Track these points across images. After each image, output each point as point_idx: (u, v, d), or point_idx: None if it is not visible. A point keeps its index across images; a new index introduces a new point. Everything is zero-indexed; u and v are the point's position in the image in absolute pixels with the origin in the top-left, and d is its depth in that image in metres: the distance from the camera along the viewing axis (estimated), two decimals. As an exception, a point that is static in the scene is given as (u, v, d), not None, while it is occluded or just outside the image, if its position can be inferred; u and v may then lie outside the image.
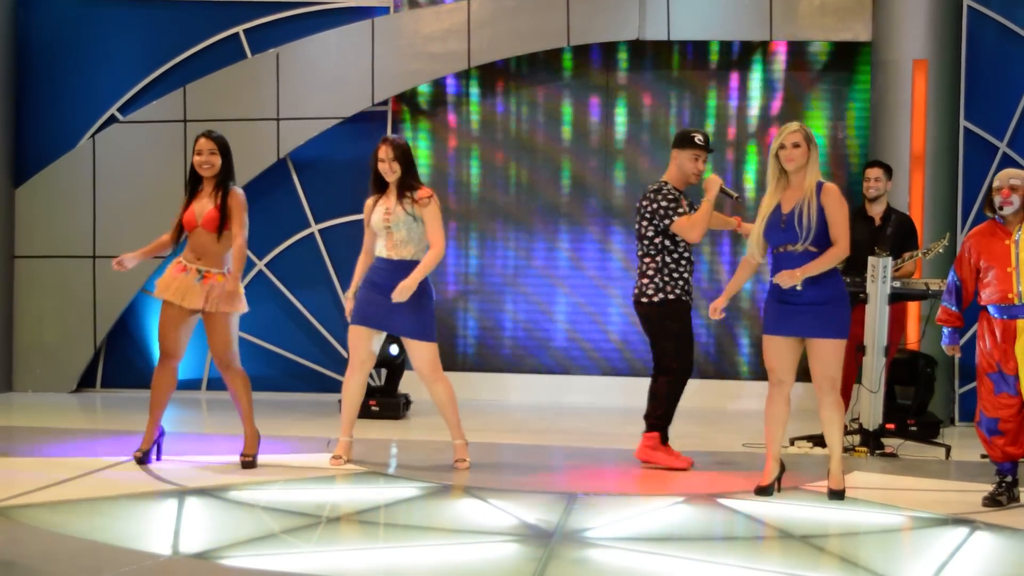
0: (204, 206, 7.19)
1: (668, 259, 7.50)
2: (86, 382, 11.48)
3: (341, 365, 11.13)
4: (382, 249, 7.38)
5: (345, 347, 10.95)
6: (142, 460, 7.19)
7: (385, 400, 9.91)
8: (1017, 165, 10.21)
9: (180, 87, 11.20)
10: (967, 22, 10.40)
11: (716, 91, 11.29)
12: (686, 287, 7.54)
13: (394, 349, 10.16)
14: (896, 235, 8.70)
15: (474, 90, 11.53)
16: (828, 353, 6.48)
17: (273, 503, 6.30)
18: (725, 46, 11.22)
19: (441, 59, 11.05)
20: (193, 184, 7.33)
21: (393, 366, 10.22)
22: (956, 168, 10.32)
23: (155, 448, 7.29)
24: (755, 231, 6.62)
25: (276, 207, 11.32)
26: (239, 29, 11.40)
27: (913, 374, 9.23)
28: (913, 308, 9.73)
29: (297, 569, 4.96)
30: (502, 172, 11.48)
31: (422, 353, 7.32)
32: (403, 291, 7.13)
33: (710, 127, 11.22)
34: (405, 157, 7.39)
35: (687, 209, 7.52)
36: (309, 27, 11.30)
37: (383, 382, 10.33)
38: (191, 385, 11.28)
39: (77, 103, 11.42)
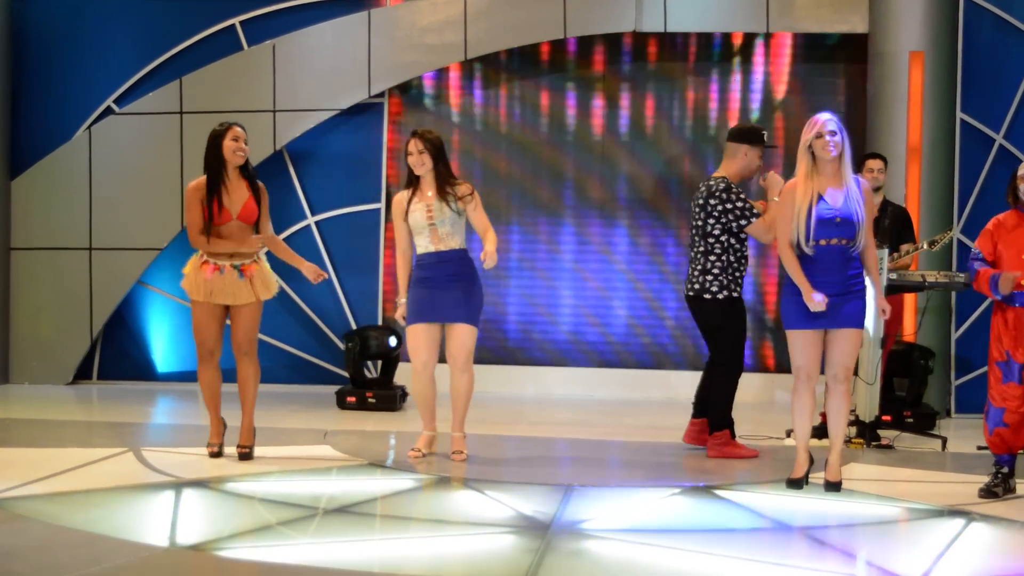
0: (235, 198, 7.14)
1: (733, 258, 7.60)
2: (82, 374, 11.47)
3: (337, 357, 11.14)
4: (427, 245, 7.35)
5: (341, 338, 11.00)
6: (216, 454, 7.22)
7: (382, 392, 9.91)
8: (1013, 157, 10.21)
9: (176, 79, 11.19)
10: (963, 14, 10.39)
11: (713, 83, 11.28)
12: (740, 285, 7.70)
13: (392, 341, 10.17)
14: (893, 227, 8.70)
15: (470, 82, 11.51)
16: (850, 343, 6.53)
17: (270, 495, 6.30)
18: (723, 38, 11.21)
19: (437, 51, 11.04)
20: (216, 175, 7.14)
21: (389, 358, 10.22)
22: (952, 160, 10.32)
23: (222, 443, 7.32)
24: (800, 221, 6.45)
25: (272, 199, 11.12)
26: (235, 21, 11.39)
27: (907, 366, 9.25)
28: (909, 300, 9.74)
29: (294, 561, 4.96)
30: (500, 165, 11.46)
31: (465, 337, 7.32)
32: (493, 255, 7.19)
33: (708, 118, 11.22)
34: (436, 149, 7.34)
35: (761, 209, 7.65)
36: (305, 19, 11.28)
37: (379, 374, 10.35)
38: (190, 377, 11.26)
39: (73, 95, 11.40)
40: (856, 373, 8.47)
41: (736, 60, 11.24)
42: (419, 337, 7.35)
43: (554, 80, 11.41)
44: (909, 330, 9.71)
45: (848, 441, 8.23)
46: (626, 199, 11.35)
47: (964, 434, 8.91)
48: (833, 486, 6.57)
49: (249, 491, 6.36)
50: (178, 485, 6.43)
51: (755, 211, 7.52)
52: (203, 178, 7.16)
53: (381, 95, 11.27)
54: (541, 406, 10.41)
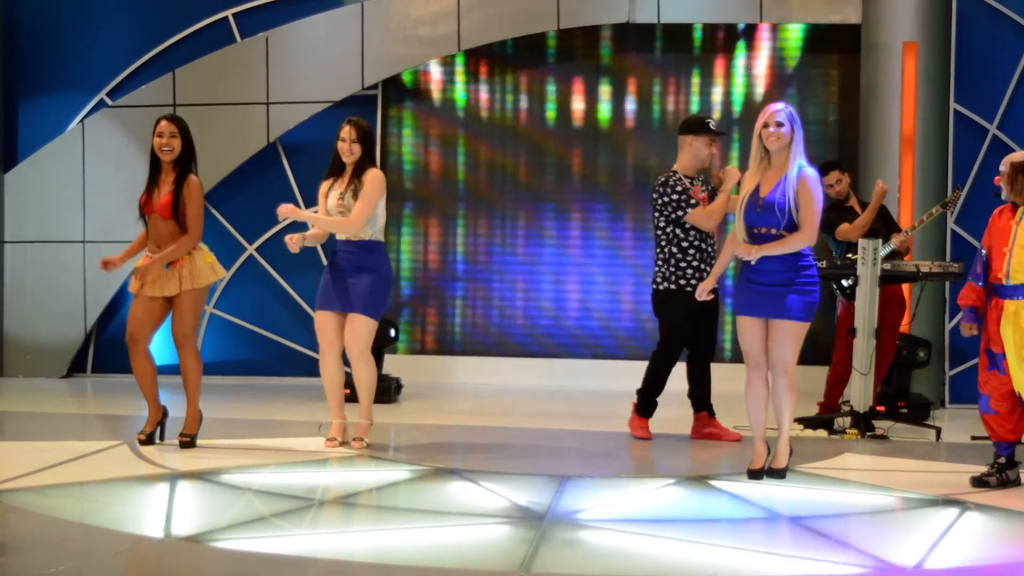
0: (160, 192, 7.16)
1: (675, 249, 7.71)
2: (77, 367, 11.47)
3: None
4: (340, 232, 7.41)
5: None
6: (146, 442, 7.22)
7: (377, 384, 9.86)
8: (1007, 147, 10.21)
9: (169, 71, 11.18)
10: (957, 4, 10.40)
11: (705, 74, 11.29)
12: (695, 275, 7.71)
13: (389, 332, 10.16)
14: (879, 219, 8.72)
15: (463, 74, 11.50)
16: (784, 335, 6.46)
17: (265, 486, 6.29)
18: (714, 29, 11.21)
19: (430, 43, 11.04)
20: (152, 169, 7.24)
21: (380, 352, 10.20)
22: (946, 150, 10.33)
23: (158, 429, 7.30)
24: (738, 211, 6.57)
25: (266, 191, 11.30)
26: (228, 13, 11.38)
27: (900, 356, 9.23)
28: (903, 290, 9.73)
29: (289, 551, 4.95)
30: (489, 156, 11.47)
31: (359, 328, 7.35)
32: (288, 210, 7.29)
33: (700, 109, 11.22)
34: (366, 140, 7.39)
35: (703, 197, 7.75)
36: (298, 11, 11.27)
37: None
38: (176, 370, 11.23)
39: (66, 88, 11.39)
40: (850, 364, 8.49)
41: (730, 51, 11.24)
42: (324, 321, 7.46)
43: (549, 71, 11.41)
44: (903, 321, 9.70)
45: (843, 431, 8.25)
46: (612, 190, 11.35)
47: (958, 424, 8.92)
48: (776, 472, 6.58)
49: (244, 483, 6.35)
50: (172, 477, 6.43)
51: (692, 201, 7.66)
52: None
53: (374, 87, 11.26)
54: (535, 398, 10.40)
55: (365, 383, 7.47)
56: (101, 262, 7.28)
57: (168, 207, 7.09)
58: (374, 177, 7.34)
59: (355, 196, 7.29)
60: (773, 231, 6.43)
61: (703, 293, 6.88)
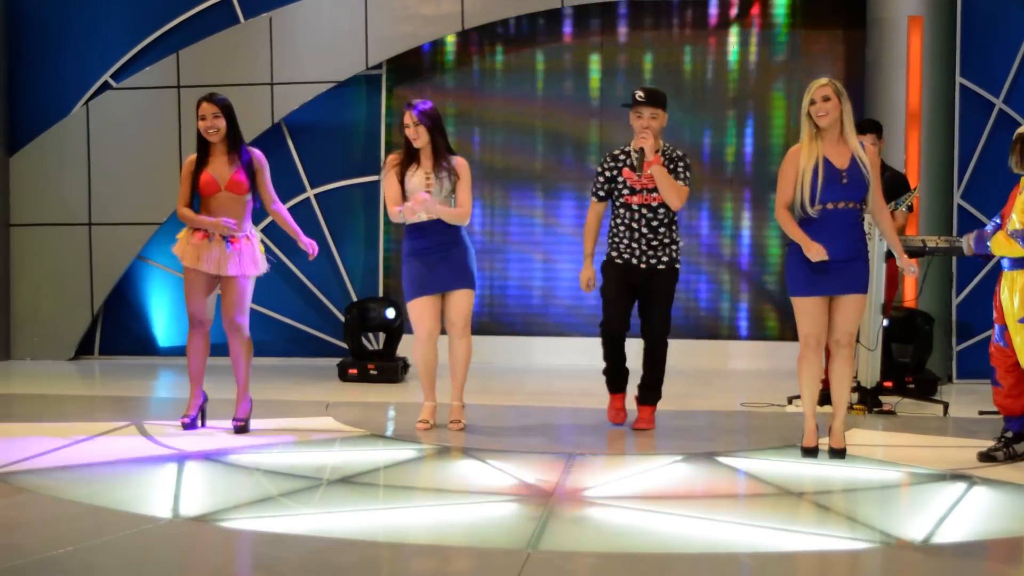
0: (222, 171, 7.15)
1: (615, 222, 7.40)
2: (84, 349, 11.47)
3: (337, 329, 11.13)
4: (422, 216, 7.32)
5: (341, 310, 10.99)
6: (189, 426, 7.22)
7: (383, 364, 9.90)
8: (1014, 121, 10.17)
9: (173, 53, 11.14)
10: (962, -22, 10.35)
11: (710, 49, 11.25)
12: (626, 249, 7.30)
13: (391, 313, 10.16)
14: (888, 192, 8.66)
15: (468, 52, 11.47)
16: (855, 308, 6.49)
17: (273, 466, 6.30)
18: (720, 3, 11.17)
19: (435, 21, 10.99)
20: (201, 150, 7.22)
21: (391, 330, 10.22)
22: (952, 125, 10.28)
23: (199, 414, 7.31)
24: (805, 183, 6.40)
25: (271, 172, 11.24)
26: (232, -7, 11.34)
27: (911, 332, 9.23)
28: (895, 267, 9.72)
29: (298, 531, 4.96)
30: (495, 134, 11.44)
31: (463, 302, 7.35)
32: (421, 202, 7.12)
33: (704, 85, 11.20)
34: (432, 122, 7.34)
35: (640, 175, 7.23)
36: (302, -10, 11.23)
37: (382, 346, 10.35)
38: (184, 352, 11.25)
39: (70, 70, 11.35)
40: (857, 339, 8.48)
41: (734, 26, 11.20)
42: (422, 309, 7.36)
43: (555, 48, 11.37)
44: (909, 296, 9.69)
45: (850, 408, 8.24)
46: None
47: (965, 399, 8.91)
48: (837, 452, 6.56)
49: (252, 463, 6.36)
50: (180, 458, 6.43)
51: (600, 179, 7.39)
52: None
53: (379, 67, 11.22)
54: (542, 376, 10.40)
55: (466, 361, 7.46)
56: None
57: (243, 184, 7.15)
58: (466, 166, 7.42)
59: (450, 179, 7.31)
60: (852, 204, 6.42)
61: (823, 252, 6.41)
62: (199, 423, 7.30)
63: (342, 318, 10.86)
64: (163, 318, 11.45)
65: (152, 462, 6.33)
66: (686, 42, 11.27)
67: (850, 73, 10.94)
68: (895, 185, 8.75)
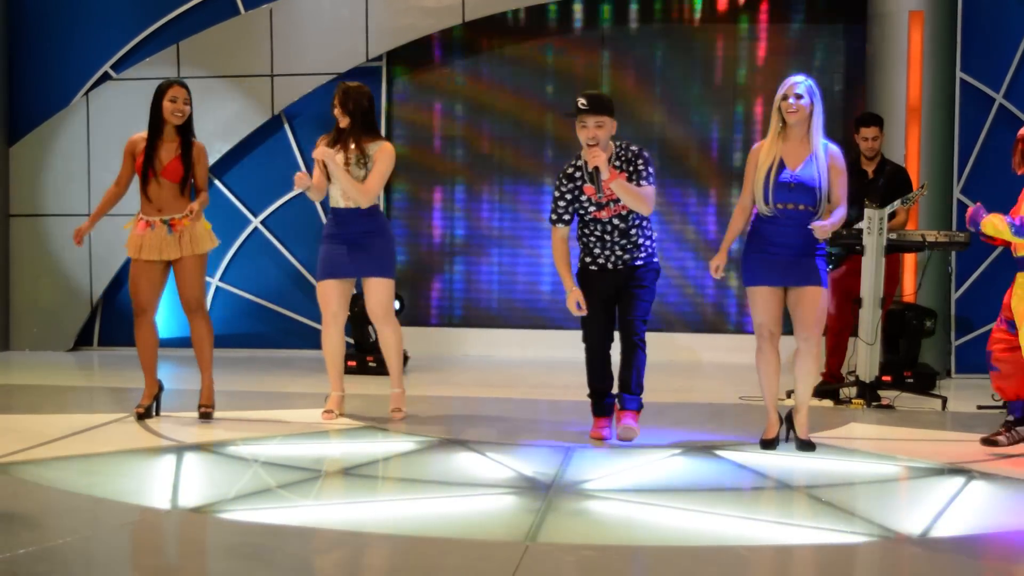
0: (164, 156, 7.17)
1: (580, 235, 6.86)
2: (83, 340, 11.47)
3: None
4: (338, 198, 7.40)
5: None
6: (143, 415, 7.20)
7: (382, 356, 9.87)
8: (1014, 117, 10.17)
9: (173, 44, 11.14)
10: (963, -27, 10.33)
11: (708, 44, 11.24)
12: (600, 256, 6.77)
13: (395, 304, 10.15)
14: (887, 187, 8.65)
15: (468, 45, 11.46)
16: (811, 301, 6.43)
17: (271, 458, 6.30)
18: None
19: (435, 13, 10.98)
20: (154, 132, 7.23)
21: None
22: (952, 120, 10.28)
23: (154, 404, 7.31)
24: (758, 182, 6.46)
25: (271, 164, 11.28)
26: (232, -16, 11.33)
27: (901, 327, 9.22)
28: (909, 260, 9.72)
29: (296, 522, 4.96)
30: (495, 127, 11.43)
31: (380, 291, 7.36)
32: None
33: (704, 80, 11.19)
34: (354, 104, 7.32)
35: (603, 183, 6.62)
36: (302, -18, 11.22)
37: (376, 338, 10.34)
38: (187, 343, 11.24)
39: (70, 61, 11.35)
40: (855, 334, 8.47)
41: (734, 21, 11.18)
42: (329, 291, 7.43)
43: (554, 43, 11.35)
44: (909, 291, 9.69)
45: (848, 401, 8.24)
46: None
47: (964, 394, 8.91)
48: (804, 444, 6.55)
49: (250, 454, 6.36)
50: (179, 449, 6.43)
51: (562, 187, 6.80)
52: (142, 133, 7.27)
53: (379, 59, 11.21)
54: (540, 369, 10.40)
55: (394, 348, 7.48)
56: (76, 235, 7.29)
57: (178, 171, 7.14)
58: (387, 152, 7.34)
59: (359, 163, 7.26)
60: (801, 207, 6.38)
61: (719, 271, 6.69)
62: (154, 412, 7.31)
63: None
64: (162, 309, 11.40)
65: (150, 453, 6.33)
66: (683, 36, 11.25)
67: (851, 68, 10.94)
68: (896, 180, 8.73)
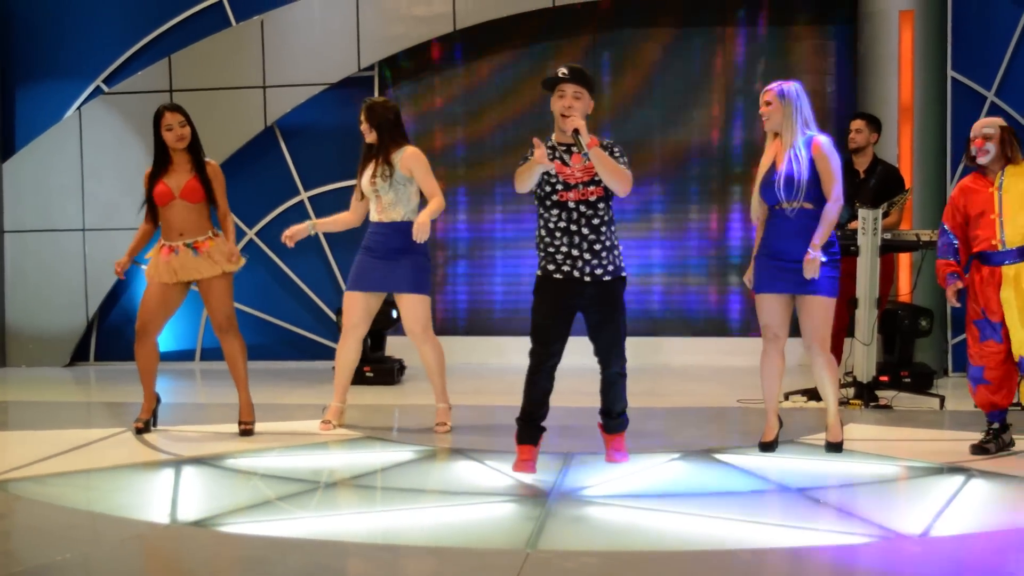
0: (179, 179, 7.13)
1: (543, 231, 6.16)
2: (79, 356, 11.46)
3: (333, 332, 11.12)
4: (374, 213, 7.38)
5: (336, 313, 10.97)
6: (142, 430, 7.19)
7: (379, 366, 9.89)
8: (1005, 114, 10.18)
9: (165, 57, 11.15)
10: (952, -28, 10.36)
11: (701, 46, 11.25)
12: (564, 260, 6.05)
13: (394, 314, 10.15)
14: (879, 186, 8.66)
15: (459, 53, 11.47)
16: (818, 311, 6.44)
17: (270, 470, 6.29)
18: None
19: (426, 22, 11.00)
20: (161, 159, 7.19)
21: (380, 333, 10.19)
22: (944, 119, 10.30)
23: (153, 417, 7.30)
24: (754, 191, 6.58)
25: (265, 175, 11.29)
26: (223, -3, 11.35)
27: (894, 327, 9.21)
28: (904, 259, 9.73)
29: (296, 534, 4.95)
30: (489, 134, 11.43)
31: (415, 308, 7.29)
32: (423, 225, 6.99)
33: (693, 83, 11.19)
34: (376, 118, 7.36)
35: (579, 166, 6.09)
36: (293, -7, 11.23)
37: (370, 348, 10.34)
38: (185, 356, 11.26)
39: (62, 75, 11.37)
40: (851, 335, 8.48)
41: (725, 23, 11.20)
42: (353, 302, 7.37)
43: (545, 49, 11.36)
44: (904, 290, 9.69)
45: (846, 402, 8.24)
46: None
47: (962, 392, 8.89)
48: (834, 446, 6.57)
49: (249, 467, 6.35)
50: (177, 463, 6.42)
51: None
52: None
53: (371, 68, 11.22)
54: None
55: (436, 365, 7.40)
56: (117, 269, 7.23)
57: (197, 191, 7.10)
58: (414, 157, 7.32)
59: (384, 177, 7.24)
60: (785, 205, 6.40)
61: (752, 280, 6.63)
62: (152, 426, 7.32)
63: (336, 319, 10.84)
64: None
65: (149, 468, 6.32)
66: (675, 38, 11.27)
67: (841, 68, 10.95)
68: (888, 180, 8.73)
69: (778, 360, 6.60)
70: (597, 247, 6.05)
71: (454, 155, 11.52)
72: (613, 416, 6.36)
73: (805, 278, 6.35)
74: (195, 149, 7.19)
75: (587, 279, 6.03)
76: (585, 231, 6.04)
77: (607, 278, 6.06)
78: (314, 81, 11.05)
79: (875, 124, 8.83)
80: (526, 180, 6.04)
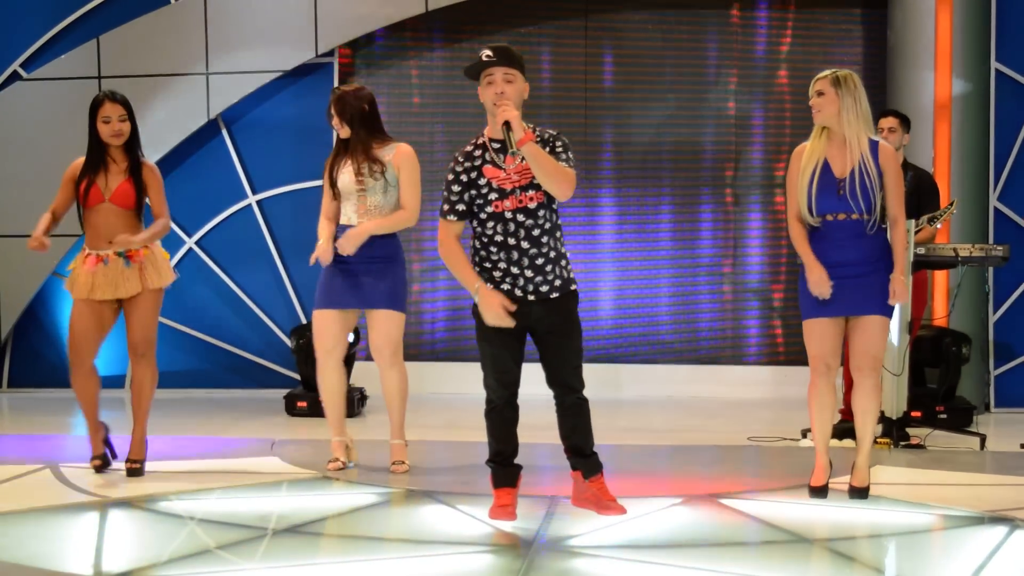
0: (112, 180, 7.14)
1: (476, 242, 5.97)
2: (-10, 382, 11.44)
3: (285, 357, 11.11)
4: (351, 216, 7.35)
5: (288, 335, 10.97)
6: (102, 467, 7.20)
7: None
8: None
9: (93, 38, 11.14)
10: (997, -50, 10.42)
11: (718, 31, 11.29)
12: (504, 277, 5.86)
13: (349, 337, 10.14)
14: (913, 194, 8.69)
15: (431, 37, 11.49)
16: (875, 331, 6.49)
17: (210, 515, 6.28)
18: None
19: (394, 2, 11.01)
20: (94, 154, 7.20)
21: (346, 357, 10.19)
22: (987, 117, 10.34)
23: (108, 450, 7.29)
24: (801, 190, 6.50)
25: (207, 175, 11.28)
26: (160, -30, 11.36)
27: (938, 354, 9.25)
28: (940, 278, 9.76)
29: (239, 589, 4.95)
30: (460, 128, 11.45)
31: (389, 325, 7.27)
32: (354, 237, 7.08)
33: (707, 72, 11.24)
34: (353, 109, 7.36)
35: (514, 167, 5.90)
36: (241, -34, 11.25)
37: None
38: (114, 383, 11.21)
39: (-27, 59, 11.35)
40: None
41: (745, 6, 11.24)
42: (325, 322, 7.34)
43: (528, 33, 11.38)
44: (940, 313, 9.73)
45: (874, 441, 8.26)
46: (611, 164, 11.34)
47: (1005, 431, 8.95)
48: (859, 492, 6.57)
49: (185, 511, 6.34)
50: (103, 505, 6.40)
51: (449, 176, 5.99)
52: (83, 157, 7.24)
53: (330, 54, 11.23)
54: (522, 408, 10.36)
55: (399, 394, 7.37)
56: (35, 244, 7.21)
57: (130, 195, 7.11)
58: (406, 156, 7.33)
59: (373, 174, 7.23)
60: (854, 216, 6.41)
61: (821, 285, 6.48)
62: (111, 457, 7.31)
63: (289, 343, 10.83)
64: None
65: (71, 511, 6.30)
66: (691, 22, 11.29)
67: (870, 59, 11.00)
68: (921, 188, 8.77)
69: (830, 394, 6.60)
70: (540, 261, 5.86)
71: (422, 153, 11.42)
72: (588, 454, 6.10)
73: (867, 298, 6.40)
74: (132, 148, 7.19)
75: (531, 298, 5.87)
76: (525, 244, 5.85)
77: (555, 295, 5.90)
78: (265, 68, 11.06)
79: (907, 124, 8.87)
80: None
